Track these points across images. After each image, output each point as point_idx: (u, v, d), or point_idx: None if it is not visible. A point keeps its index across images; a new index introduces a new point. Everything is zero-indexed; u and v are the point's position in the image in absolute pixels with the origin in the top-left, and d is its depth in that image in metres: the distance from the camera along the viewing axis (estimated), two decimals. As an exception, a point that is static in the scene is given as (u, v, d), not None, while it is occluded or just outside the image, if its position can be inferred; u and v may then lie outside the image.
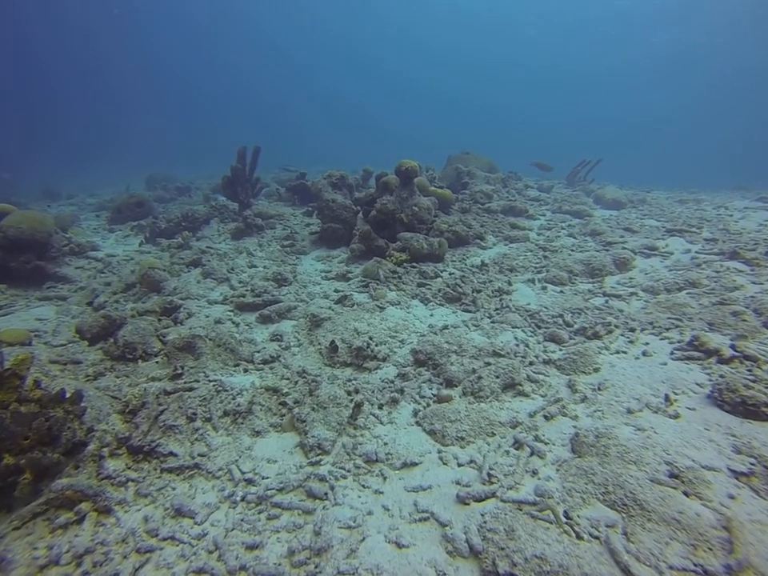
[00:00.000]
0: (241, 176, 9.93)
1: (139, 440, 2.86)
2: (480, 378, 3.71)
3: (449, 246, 7.14)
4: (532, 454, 2.82)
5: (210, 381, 3.70)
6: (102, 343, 4.65)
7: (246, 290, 5.83)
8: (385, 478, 2.83)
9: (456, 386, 3.83)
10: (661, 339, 4.07)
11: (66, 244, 7.85)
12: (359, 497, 2.69)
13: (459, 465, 2.86)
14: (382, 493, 2.70)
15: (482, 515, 2.35)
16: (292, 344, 4.69)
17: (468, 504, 2.47)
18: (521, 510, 2.33)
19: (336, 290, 5.93)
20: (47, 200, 16.52)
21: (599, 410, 3.17)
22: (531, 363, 3.97)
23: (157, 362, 4.27)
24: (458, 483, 2.66)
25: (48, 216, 7.36)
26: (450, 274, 6.23)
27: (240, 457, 3.01)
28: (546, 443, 2.92)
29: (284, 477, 2.82)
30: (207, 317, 5.32)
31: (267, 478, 2.84)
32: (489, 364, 3.94)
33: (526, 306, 5.20)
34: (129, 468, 2.76)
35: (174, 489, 2.70)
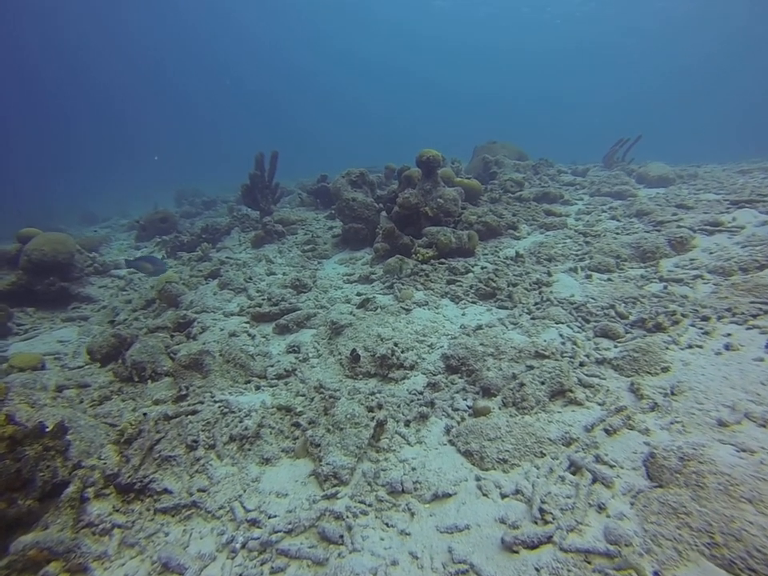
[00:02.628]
0: (260, 183, 9.70)
1: (129, 476, 2.50)
2: (522, 384, 3.16)
3: (479, 239, 6.57)
4: (595, 480, 2.25)
5: (216, 402, 3.34)
6: (113, 364, 4.41)
7: (263, 300, 5.49)
8: (413, 515, 2.35)
9: (494, 396, 3.30)
10: (747, 329, 3.35)
11: (90, 264, 7.83)
12: (382, 539, 2.22)
13: (503, 496, 2.33)
14: (409, 534, 2.22)
15: (537, 570, 1.82)
16: (310, 355, 4.28)
17: (517, 552, 1.94)
18: (589, 563, 1.79)
19: (359, 294, 5.50)
20: (86, 224, 17.08)
21: (677, 422, 2.54)
22: (582, 364, 3.38)
23: (166, 383, 3.96)
24: (502, 522, 2.14)
25: (69, 237, 7.34)
26: (482, 269, 5.67)
27: (245, 491, 2.60)
28: (611, 466, 2.34)
29: (294, 515, 2.39)
30: (222, 330, 5.00)
31: (274, 516, 2.41)
32: (532, 368, 3.39)
33: (569, 297, 4.58)
34: (116, 511, 2.41)
35: (166, 534, 2.31)
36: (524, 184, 9.85)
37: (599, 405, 2.89)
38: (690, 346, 3.24)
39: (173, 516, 2.43)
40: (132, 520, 2.37)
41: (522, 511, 2.17)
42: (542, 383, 3.13)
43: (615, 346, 3.54)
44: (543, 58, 74.05)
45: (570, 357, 3.49)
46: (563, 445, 2.61)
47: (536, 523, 2.06)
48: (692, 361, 3.07)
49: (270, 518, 2.41)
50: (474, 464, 2.67)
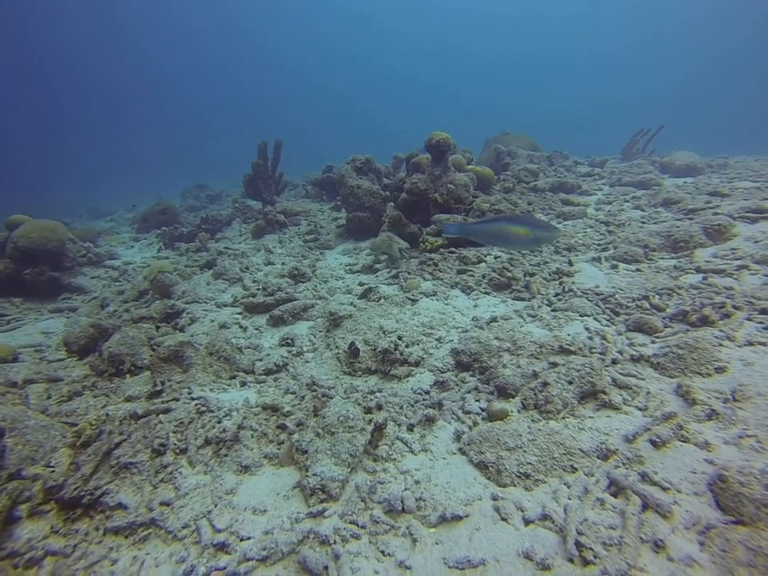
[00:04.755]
0: (263, 173, 9.32)
1: (76, 488, 2.09)
2: (545, 384, 2.71)
3: (492, 228, 6.09)
4: (646, 507, 1.78)
5: (193, 399, 2.93)
6: (91, 357, 4.02)
7: (258, 289, 5.08)
8: (415, 541, 1.91)
9: (512, 397, 2.85)
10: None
11: (84, 254, 7.49)
12: (376, 573, 1.79)
13: (527, 522, 1.88)
14: (409, 568, 1.78)
15: (577, 630, 1.38)
16: (305, 349, 3.86)
17: (549, 603, 1.50)
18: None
19: (361, 284, 5.07)
20: (91, 218, 16.85)
21: (749, 436, 2.05)
22: (615, 362, 2.91)
23: (145, 378, 3.57)
24: (527, 557, 1.69)
25: (60, 224, 7.00)
26: (495, 258, 5.21)
27: (216, 505, 2.18)
28: (664, 488, 1.87)
29: (271, 538, 1.96)
30: (212, 322, 4.61)
31: (247, 539, 1.99)
32: (555, 365, 2.93)
33: (594, 288, 4.11)
34: (55, 532, 1.99)
35: (113, 563, 1.90)
36: (539, 174, 9.35)
37: (640, 410, 2.42)
38: (751, 343, 2.74)
39: (126, 537, 2.02)
40: (73, 544, 1.95)
41: (553, 544, 1.72)
42: (570, 383, 2.67)
43: (653, 342, 3.06)
44: (562, 64, 73.37)
45: (600, 353, 3.03)
46: (599, 458, 2.15)
47: (572, 562, 1.61)
48: (756, 360, 2.57)
49: (242, 540, 1.99)
50: (489, 478, 2.23)
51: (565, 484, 2.05)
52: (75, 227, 10.68)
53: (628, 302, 3.68)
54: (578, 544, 1.65)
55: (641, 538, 1.63)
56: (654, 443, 2.12)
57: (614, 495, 1.90)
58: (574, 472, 2.11)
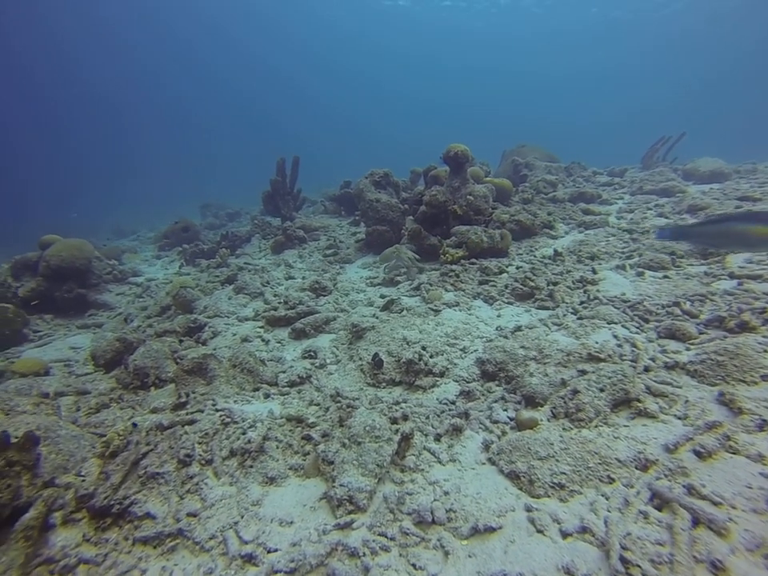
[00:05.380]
0: (281, 189, 9.48)
1: (106, 497, 2.10)
2: (576, 392, 2.63)
3: (512, 239, 6.04)
4: (697, 523, 1.67)
5: (218, 410, 2.92)
6: (117, 370, 4.08)
7: (279, 303, 5.11)
8: (446, 554, 1.84)
9: (541, 406, 2.77)
10: None
11: (110, 271, 7.69)
12: (408, 587, 1.72)
13: (564, 534, 1.80)
14: (442, 582, 1.71)
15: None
16: (328, 361, 3.84)
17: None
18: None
19: (382, 296, 5.06)
20: (114, 237, 17.33)
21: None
22: (647, 369, 2.81)
23: (169, 390, 3.60)
24: (567, 572, 1.61)
25: (87, 242, 7.21)
26: (517, 268, 5.15)
27: (243, 516, 2.16)
28: (715, 502, 1.76)
29: (299, 550, 1.92)
30: (234, 335, 4.64)
31: (275, 551, 1.95)
32: (584, 372, 2.85)
33: (620, 296, 4.01)
34: (87, 541, 1.99)
35: (143, 573, 1.88)
36: (557, 185, 9.29)
37: (679, 419, 2.32)
38: (798, 350, 2.62)
39: (154, 547, 2.01)
40: (104, 553, 1.95)
41: (595, 558, 1.63)
42: (601, 390, 2.58)
43: (687, 349, 2.95)
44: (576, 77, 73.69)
45: (631, 360, 2.93)
46: (638, 468, 2.06)
47: (617, 578, 1.52)
48: (803, 365, 2.45)
49: (269, 552, 1.95)
50: (521, 489, 2.15)
51: (602, 495, 1.96)
52: (101, 247, 11.01)
53: (657, 308, 3.57)
54: (623, 560, 1.56)
55: (694, 556, 1.53)
56: (698, 454, 2.01)
57: (659, 508, 1.81)
58: (611, 483, 2.02)
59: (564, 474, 2.12)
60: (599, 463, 2.11)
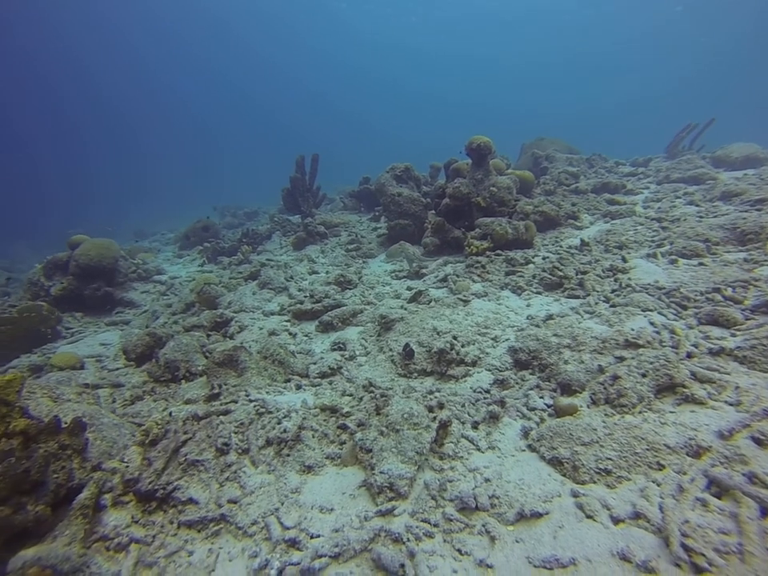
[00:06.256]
0: (301, 186, 9.52)
1: (151, 482, 2.12)
2: (616, 377, 2.56)
3: (536, 230, 5.95)
4: (766, 513, 1.60)
5: (251, 401, 2.94)
6: (148, 364, 4.14)
7: (305, 297, 5.12)
8: (493, 539, 1.81)
9: (579, 393, 2.71)
10: None
11: (134, 270, 7.83)
12: (455, 572, 1.70)
13: (616, 520, 1.75)
14: (491, 567, 1.69)
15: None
16: (357, 353, 3.83)
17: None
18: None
19: (409, 288, 5.03)
20: (135, 239, 17.67)
21: None
22: (690, 355, 2.73)
23: (200, 383, 3.63)
24: (624, 559, 1.56)
25: (113, 242, 7.35)
26: (543, 259, 5.06)
27: (283, 503, 2.15)
28: (781, 490, 1.69)
29: (341, 536, 1.91)
30: (261, 329, 4.66)
31: (317, 536, 1.95)
32: (622, 359, 2.78)
33: (653, 283, 3.91)
34: (135, 522, 2.02)
35: (190, 554, 1.90)
36: (579, 176, 9.14)
37: (731, 405, 2.24)
38: None
39: (198, 531, 2.02)
40: (152, 534, 1.97)
41: (653, 545, 1.58)
42: (643, 375, 2.51)
43: (733, 335, 2.85)
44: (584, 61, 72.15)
45: (672, 347, 2.85)
46: (689, 455, 1.99)
47: (679, 566, 1.46)
48: None
49: (312, 537, 1.94)
50: (565, 475, 2.10)
51: (653, 481, 1.90)
52: (124, 248, 11.21)
53: (695, 295, 3.46)
54: (684, 547, 1.51)
55: (766, 548, 1.46)
56: (758, 441, 1.93)
57: (718, 496, 1.74)
58: (661, 469, 1.96)
59: (610, 459, 2.06)
60: (647, 449, 2.05)
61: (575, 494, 1.94)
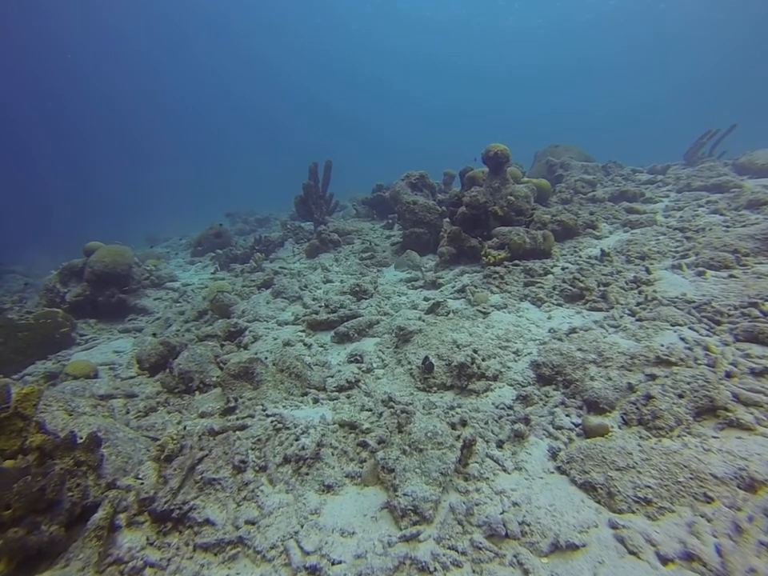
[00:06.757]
0: (314, 193, 9.50)
1: (166, 501, 2.04)
2: (649, 397, 2.44)
3: (554, 240, 5.83)
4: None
5: (268, 416, 2.86)
6: (161, 374, 4.09)
7: (320, 307, 5.06)
8: (527, 573, 1.70)
9: (608, 412, 2.59)
10: None
11: (147, 276, 7.84)
12: (488, 608, 1.59)
13: (664, 560, 1.63)
14: (527, 604, 1.57)
15: None
16: (375, 365, 3.74)
17: None
18: None
19: (426, 299, 4.94)
20: (148, 244, 17.83)
21: None
22: (730, 375, 2.59)
23: (215, 394, 3.56)
24: (676, 601, 1.44)
25: (128, 249, 7.38)
26: (562, 269, 4.94)
27: (302, 526, 2.06)
28: None
29: (365, 563, 1.82)
30: (275, 339, 4.60)
31: (339, 563, 1.85)
32: (654, 377, 2.65)
33: (681, 296, 3.77)
34: (150, 544, 1.94)
35: (206, 580, 1.81)
36: (596, 184, 9.00)
37: (778, 429, 2.11)
38: None
39: (215, 555, 1.94)
40: (167, 557, 1.89)
41: (708, 587, 1.46)
42: (680, 396, 2.39)
43: (773, 352, 2.71)
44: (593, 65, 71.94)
45: (707, 365, 2.71)
46: (741, 488, 1.86)
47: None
48: None
49: (333, 564, 1.85)
50: (599, 502, 1.99)
51: (701, 516, 1.77)
52: (137, 254, 11.28)
53: (729, 309, 3.32)
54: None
55: None
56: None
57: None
58: (710, 502, 1.83)
59: (649, 487, 1.94)
60: (690, 478, 1.93)
61: (614, 525, 1.82)
